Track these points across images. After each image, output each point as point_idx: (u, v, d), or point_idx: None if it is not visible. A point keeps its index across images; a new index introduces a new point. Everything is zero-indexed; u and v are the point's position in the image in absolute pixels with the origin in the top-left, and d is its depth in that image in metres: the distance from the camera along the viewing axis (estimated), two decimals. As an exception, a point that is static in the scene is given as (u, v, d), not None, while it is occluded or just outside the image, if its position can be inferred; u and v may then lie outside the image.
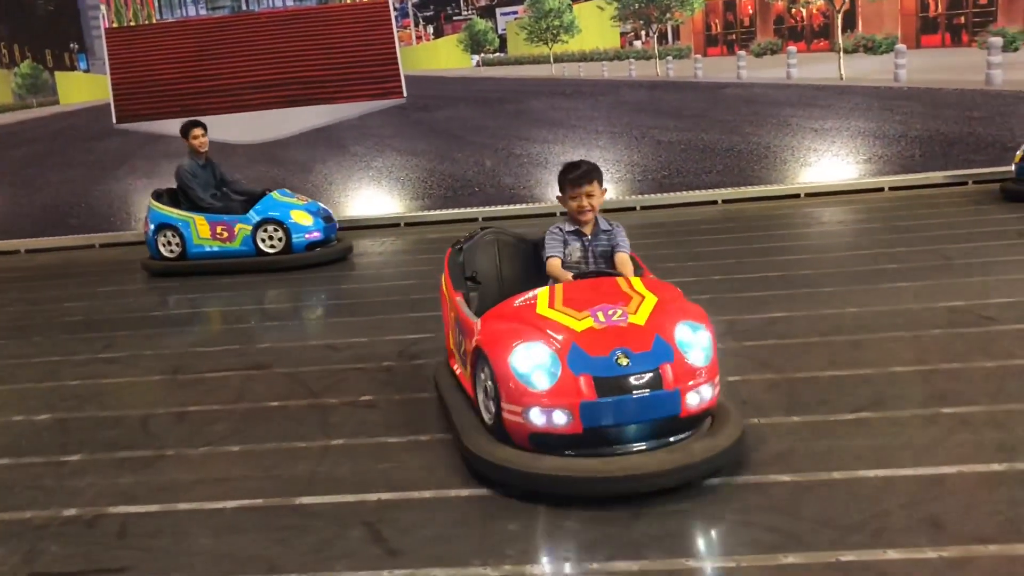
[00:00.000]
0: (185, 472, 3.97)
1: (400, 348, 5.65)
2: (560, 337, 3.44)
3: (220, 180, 9.32)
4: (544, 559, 3.06)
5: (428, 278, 8.00)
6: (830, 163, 11.86)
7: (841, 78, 12.21)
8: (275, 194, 9.29)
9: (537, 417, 3.36)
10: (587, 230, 4.17)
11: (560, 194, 4.24)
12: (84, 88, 12.86)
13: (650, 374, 3.33)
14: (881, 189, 11.29)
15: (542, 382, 3.36)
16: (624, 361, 3.33)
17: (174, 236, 9.15)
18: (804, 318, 5.72)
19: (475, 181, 12.17)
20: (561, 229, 4.21)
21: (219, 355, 5.91)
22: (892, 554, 2.87)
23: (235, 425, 4.52)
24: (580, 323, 3.47)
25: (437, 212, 11.88)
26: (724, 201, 11.47)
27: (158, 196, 9.34)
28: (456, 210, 11.80)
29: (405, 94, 12.42)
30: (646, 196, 11.73)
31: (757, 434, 3.88)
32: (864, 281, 6.57)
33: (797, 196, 11.41)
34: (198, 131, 9.04)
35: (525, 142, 12.27)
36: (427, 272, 8.35)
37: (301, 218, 9.10)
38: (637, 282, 3.78)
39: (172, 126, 11.72)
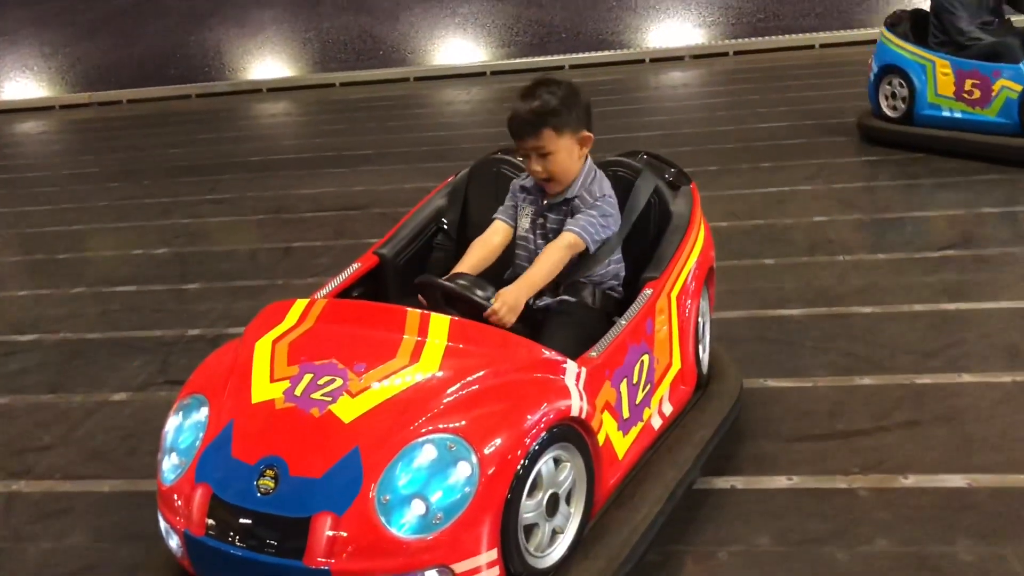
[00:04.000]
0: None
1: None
2: (228, 402, 2.11)
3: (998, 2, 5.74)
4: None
5: (516, 124, 8.08)
6: (937, 3, 11.24)
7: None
8: None
9: (161, 523, 2.13)
10: (551, 190, 2.54)
11: None
12: (173, -64, 12.91)
13: (289, 526, 1.86)
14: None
15: (167, 467, 2.11)
16: (267, 485, 1.90)
17: (902, 86, 5.86)
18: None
19: (562, 27, 11.94)
20: (524, 183, 2.65)
21: (318, 197, 6.18)
22: (966, 377, 2.99)
23: (336, 258, 4.81)
24: (272, 386, 2.08)
25: (523, 60, 11.76)
26: (822, 45, 11.05)
27: (894, 23, 6.03)
28: (542, 58, 11.65)
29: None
30: (740, 40, 11.36)
31: (840, 270, 3.96)
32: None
33: (899, 39, 10.91)
34: None
35: (614, -15, 11.92)
36: (515, 118, 8.42)
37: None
38: (441, 327, 2.13)
39: (261, -27, 11.72)
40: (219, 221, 5.84)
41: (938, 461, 2.62)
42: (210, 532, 1.93)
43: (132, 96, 11.88)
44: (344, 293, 2.59)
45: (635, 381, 2.39)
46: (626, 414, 2.36)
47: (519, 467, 1.92)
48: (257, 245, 5.22)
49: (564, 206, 2.51)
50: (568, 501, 2.10)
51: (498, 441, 1.92)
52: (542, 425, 1.98)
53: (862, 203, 4.96)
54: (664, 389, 2.58)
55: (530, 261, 2.47)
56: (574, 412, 2.06)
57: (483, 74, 11.64)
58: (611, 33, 11.75)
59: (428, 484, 1.88)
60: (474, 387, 2.02)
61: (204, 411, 2.13)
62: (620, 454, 2.32)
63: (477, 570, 1.89)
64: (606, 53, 11.40)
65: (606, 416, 2.24)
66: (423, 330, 2.13)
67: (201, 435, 2.08)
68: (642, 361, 2.43)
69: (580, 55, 11.42)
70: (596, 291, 2.54)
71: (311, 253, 4.95)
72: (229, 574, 1.94)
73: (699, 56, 10.52)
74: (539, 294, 2.46)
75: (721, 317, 3.59)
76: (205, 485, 1.97)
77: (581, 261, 2.50)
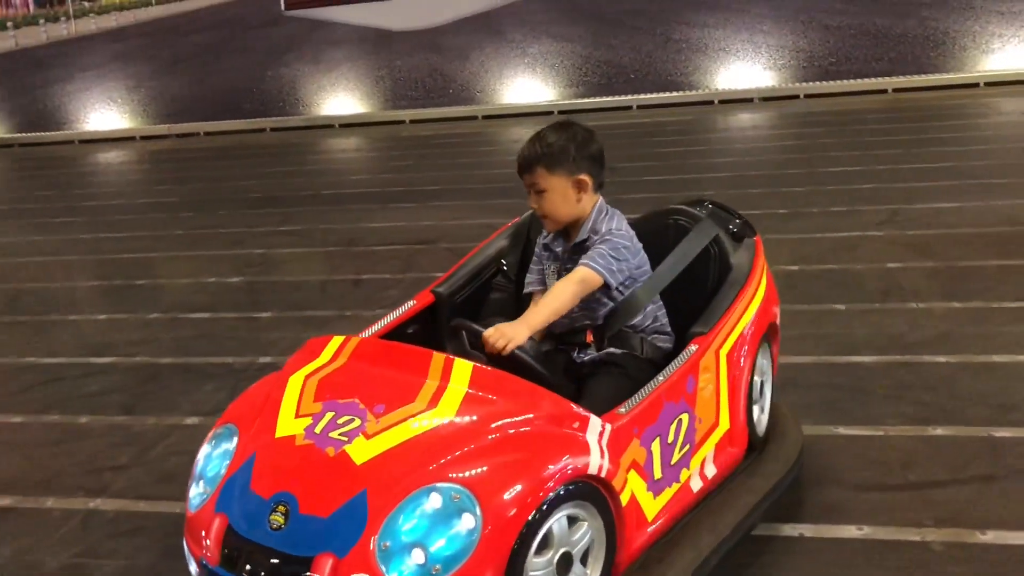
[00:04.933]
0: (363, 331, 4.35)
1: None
2: (256, 435, 2.14)
3: None
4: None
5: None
6: (1016, 50, 11.04)
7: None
8: None
9: (185, 548, 2.19)
10: (546, 228, 2.59)
11: None
12: (255, -24, 13.35)
13: (294, 564, 1.87)
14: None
15: (193, 494, 2.18)
16: (278, 521, 1.92)
17: None
18: (974, 209, 5.53)
19: (630, 67, 12.02)
20: (545, 240, 2.65)
21: (387, 231, 6.28)
22: (1047, 433, 2.89)
23: (405, 292, 4.87)
24: (296, 422, 2.10)
25: (591, 100, 11.86)
26: (895, 90, 10.92)
27: None
28: (610, 98, 11.74)
29: (563, -22, 12.27)
30: (811, 84, 11.30)
31: (913, 317, 3.88)
32: (1043, 173, 6.25)
33: (976, 85, 10.73)
34: None
35: (684, 26, 11.97)
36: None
37: None
38: (463, 373, 2.11)
39: (339, 13, 12.05)
40: (291, 252, 5.96)
41: (1018, 517, 2.54)
42: (223, 563, 1.95)
43: (209, 129, 12.25)
44: (398, 329, 2.58)
45: (670, 440, 2.30)
46: (658, 475, 2.26)
47: (526, 523, 1.86)
48: (327, 276, 5.32)
49: (578, 252, 2.49)
50: (584, 562, 2.02)
51: (505, 495, 1.86)
52: (555, 481, 1.91)
53: (937, 250, 4.86)
54: (708, 450, 2.47)
55: (567, 317, 2.45)
56: (592, 470, 1.98)
57: (550, 113, 11.74)
58: (680, 74, 11.77)
59: (429, 534, 1.84)
60: (489, 437, 1.97)
61: (234, 441, 2.16)
62: (649, 516, 2.23)
63: None
64: (674, 94, 11.42)
65: (633, 476, 2.15)
66: (446, 375, 2.11)
67: (227, 464, 2.11)
68: (680, 420, 2.33)
69: (648, 96, 11.47)
70: (643, 342, 2.50)
71: (380, 286, 5.03)
72: None
73: (769, 98, 10.48)
74: (583, 347, 2.46)
75: (789, 362, 3.55)
76: (223, 515, 2.00)
77: (619, 310, 2.47)
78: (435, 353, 2.18)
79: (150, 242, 6.55)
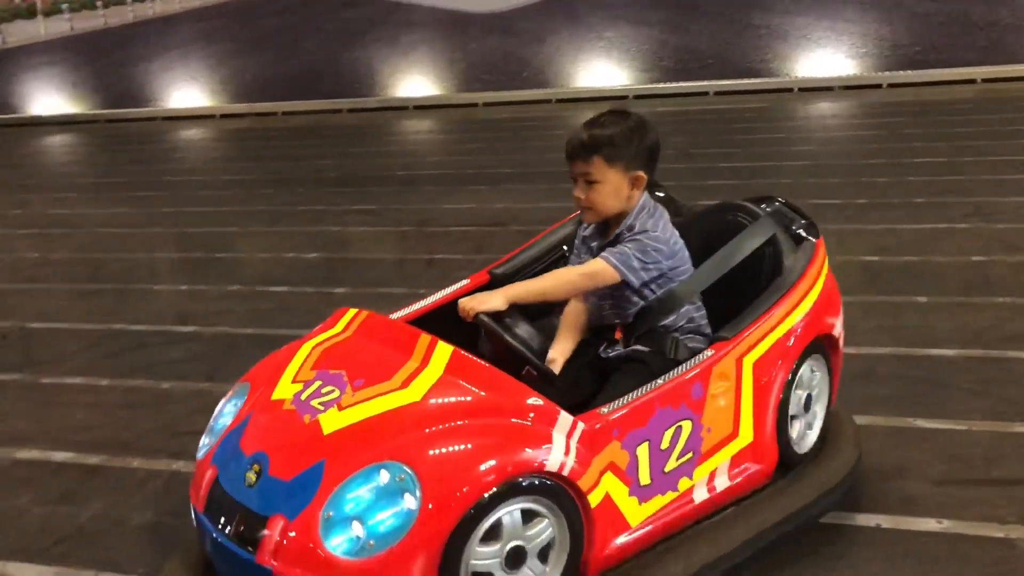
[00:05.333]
0: (436, 308, 4.40)
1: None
2: (258, 395, 2.25)
3: None
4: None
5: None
6: (1115, 39, 10.58)
7: None
8: None
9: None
10: (585, 219, 2.49)
11: None
12: (335, -42, 13.51)
13: (254, 521, 1.97)
14: None
15: (201, 444, 2.31)
16: (251, 479, 2.02)
17: None
18: (1065, 203, 5.34)
19: (708, 53, 11.85)
20: (584, 233, 2.58)
21: (460, 212, 6.32)
22: None
23: (477, 272, 4.90)
24: (290, 387, 2.20)
25: (666, 85, 11.73)
26: (984, 80, 10.57)
27: None
28: (686, 83, 11.60)
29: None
30: (894, 72, 11.00)
31: (999, 312, 3.78)
32: None
33: (1070, 76, 10.33)
34: None
35: (764, 12, 11.75)
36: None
37: None
38: (442, 357, 2.15)
39: (416, -6, 12.12)
40: (366, 231, 6.05)
41: (1106, 519, 2.46)
42: (206, 511, 2.08)
43: (287, 108, 12.46)
44: (448, 306, 2.52)
45: (664, 447, 2.22)
46: (645, 480, 2.19)
47: (468, 510, 1.87)
48: (402, 255, 5.39)
49: (614, 245, 2.38)
50: (546, 559, 2.01)
51: (449, 480, 1.88)
52: (503, 473, 1.90)
53: (1025, 244, 4.72)
54: (719, 461, 2.34)
55: (597, 307, 2.42)
56: (551, 466, 1.96)
57: (625, 97, 11.65)
58: (759, 61, 11.56)
59: (371, 509, 1.89)
60: (449, 423, 1.98)
61: (244, 398, 2.27)
62: (633, 522, 2.17)
63: None
64: (753, 81, 11.23)
65: (610, 478, 2.10)
66: (426, 358, 2.14)
67: (231, 420, 2.23)
68: (680, 426, 2.24)
69: (725, 82, 11.30)
70: (676, 342, 2.38)
71: (453, 266, 5.07)
72: (213, 552, 2.08)
73: (850, 87, 10.25)
74: (611, 344, 2.41)
75: (867, 353, 3.49)
76: (214, 468, 2.13)
77: (651, 309, 2.37)
78: (422, 334, 2.21)
79: (230, 217, 6.71)
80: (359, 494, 1.90)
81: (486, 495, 1.89)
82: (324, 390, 2.12)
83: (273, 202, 7.08)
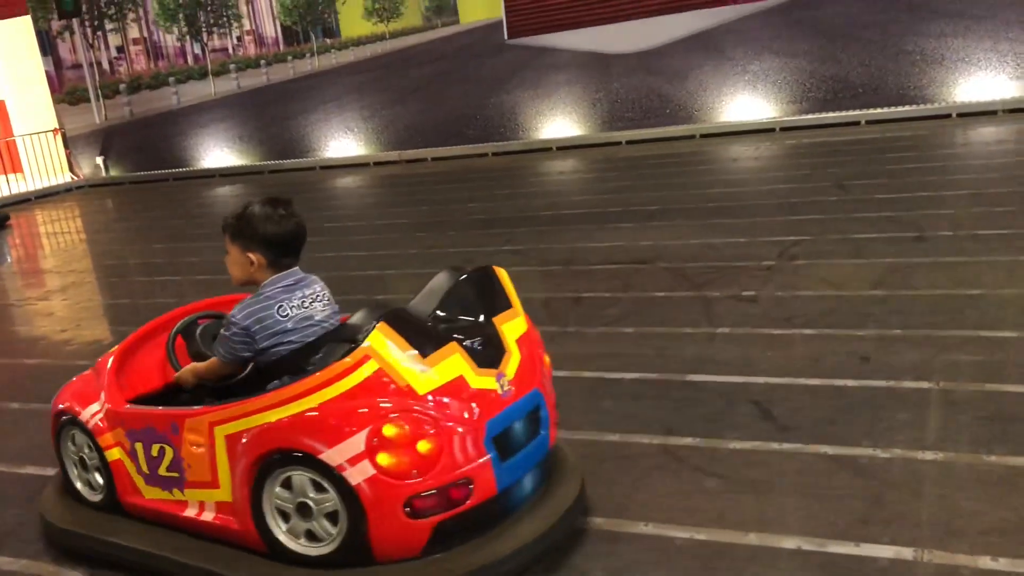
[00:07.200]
0: (586, 347, 4.46)
1: (780, 249, 5.72)
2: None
3: None
4: (935, 447, 3.09)
5: (805, 182, 7.90)
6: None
7: None
8: None
9: None
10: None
11: None
12: (480, 7, 13.95)
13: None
14: None
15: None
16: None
17: None
18: None
19: (858, 83, 11.52)
20: None
21: (605, 250, 6.38)
22: None
23: (625, 310, 4.94)
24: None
25: (815, 115, 11.47)
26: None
27: None
28: (835, 113, 11.31)
29: (785, -8, 11.97)
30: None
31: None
32: None
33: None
34: None
35: (918, 37, 11.31)
36: (804, 176, 8.23)
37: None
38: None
39: (559, 39, 12.42)
40: (514, 271, 6.15)
41: None
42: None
43: (436, 154, 12.91)
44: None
45: (154, 455, 2.76)
46: (144, 469, 2.80)
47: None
48: (550, 294, 5.48)
49: None
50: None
51: None
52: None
53: None
54: (204, 498, 2.64)
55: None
56: (84, 416, 2.93)
57: (772, 130, 11.48)
58: (913, 88, 11.16)
59: None
60: None
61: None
62: (145, 494, 2.82)
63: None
64: (907, 108, 10.86)
65: (120, 450, 2.85)
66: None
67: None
68: (163, 448, 2.72)
69: (877, 110, 10.98)
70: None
71: (601, 303, 5.13)
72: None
73: (1014, 110, 9.75)
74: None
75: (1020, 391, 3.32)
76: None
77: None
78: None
79: (387, 260, 7.01)
80: None
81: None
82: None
83: (426, 244, 7.35)
